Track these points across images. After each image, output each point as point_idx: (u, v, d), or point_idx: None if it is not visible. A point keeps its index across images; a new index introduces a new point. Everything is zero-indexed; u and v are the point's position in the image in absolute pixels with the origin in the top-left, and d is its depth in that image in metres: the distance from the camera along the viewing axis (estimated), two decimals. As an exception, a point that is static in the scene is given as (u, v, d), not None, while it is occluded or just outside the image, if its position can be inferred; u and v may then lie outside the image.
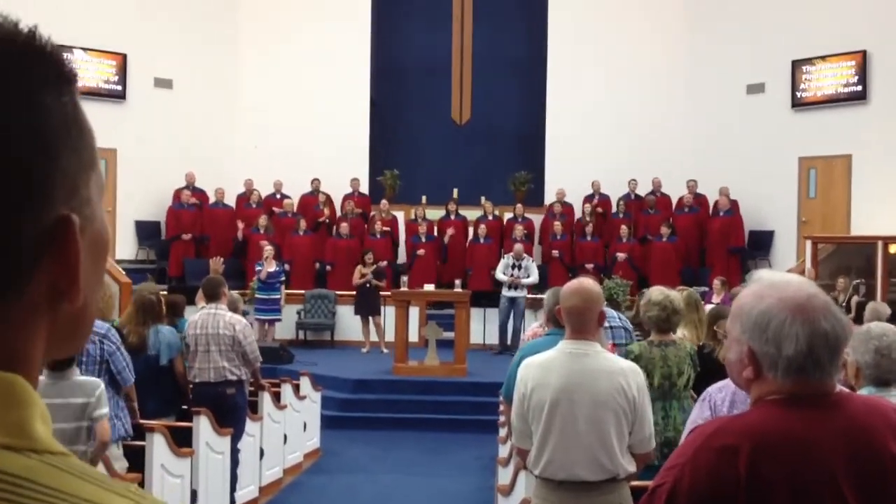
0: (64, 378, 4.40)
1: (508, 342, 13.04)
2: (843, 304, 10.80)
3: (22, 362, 0.66)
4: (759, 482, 1.61)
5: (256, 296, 12.84)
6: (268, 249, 13.10)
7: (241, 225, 15.10)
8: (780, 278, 1.82)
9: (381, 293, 13.06)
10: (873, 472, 1.64)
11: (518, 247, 13.39)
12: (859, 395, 1.93)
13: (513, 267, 13.10)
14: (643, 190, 15.89)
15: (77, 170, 0.68)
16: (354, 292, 13.33)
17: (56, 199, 0.66)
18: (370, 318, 13.24)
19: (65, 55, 0.70)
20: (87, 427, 4.37)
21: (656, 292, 4.78)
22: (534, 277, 13.11)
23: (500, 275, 13.22)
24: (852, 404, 1.75)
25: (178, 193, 15.39)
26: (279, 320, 13.37)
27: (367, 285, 13.04)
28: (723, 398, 3.56)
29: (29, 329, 0.67)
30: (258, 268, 13.02)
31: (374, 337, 13.25)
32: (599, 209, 15.66)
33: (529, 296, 13.23)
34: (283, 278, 13.29)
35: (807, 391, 1.72)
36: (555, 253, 14.93)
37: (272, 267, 12.96)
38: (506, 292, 13.10)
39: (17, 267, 0.65)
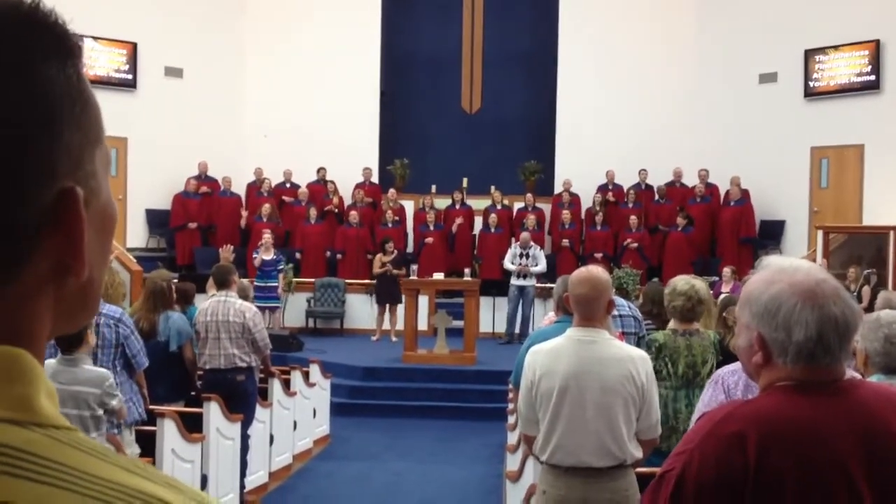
0: (75, 364, 4.44)
1: (517, 331, 13.04)
2: (855, 293, 10.76)
3: (27, 337, 0.66)
4: (768, 469, 1.60)
5: (255, 283, 12.81)
6: (266, 237, 13.11)
7: (244, 213, 15.13)
8: (790, 264, 1.81)
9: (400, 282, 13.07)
10: (883, 458, 1.63)
11: (525, 235, 13.37)
12: (869, 381, 1.92)
13: (521, 256, 13.09)
14: (653, 180, 15.84)
15: (81, 142, 0.67)
16: (374, 281, 13.30)
17: (59, 171, 0.65)
18: (387, 307, 13.20)
19: (70, 28, 0.69)
20: (90, 417, 4.41)
21: (681, 282, 4.77)
22: (542, 266, 13.09)
23: (508, 264, 13.21)
24: (862, 391, 1.74)
25: (188, 182, 15.44)
26: (278, 307, 13.36)
27: (388, 274, 13.02)
28: (735, 381, 3.56)
29: (34, 303, 0.66)
30: (255, 255, 13.03)
31: (387, 325, 13.25)
32: (612, 198, 15.61)
33: (539, 284, 13.22)
34: (282, 266, 13.25)
35: (816, 377, 1.71)
36: (564, 242, 14.91)
37: (269, 255, 12.96)
38: (514, 281, 13.09)
39: (20, 239, 0.64)
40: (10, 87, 0.63)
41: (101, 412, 4.45)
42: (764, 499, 1.60)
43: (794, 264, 1.81)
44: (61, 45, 0.67)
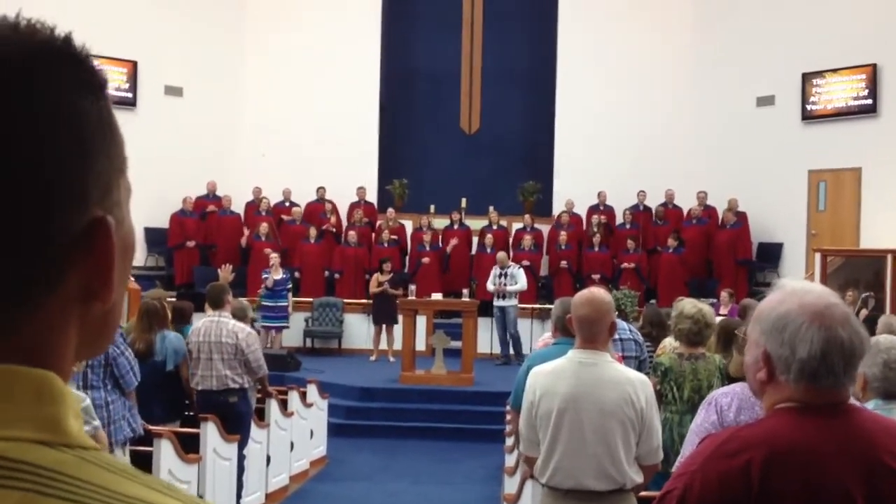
0: None
1: (511, 351, 13.00)
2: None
3: (55, 359, 0.68)
4: (771, 493, 1.61)
5: (263, 303, 12.83)
6: (273, 257, 13.12)
7: (246, 232, 15.15)
8: (802, 286, 1.83)
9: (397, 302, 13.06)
10: (881, 485, 1.63)
11: (501, 255, 13.30)
12: (868, 409, 1.94)
13: (499, 276, 13.01)
14: (652, 201, 15.87)
15: (110, 172, 0.70)
16: (371, 300, 13.29)
17: (91, 200, 0.68)
18: (383, 327, 13.17)
19: (96, 63, 0.72)
20: None
21: (689, 305, 4.77)
22: (521, 284, 12.94)
23: (489, 285, 13.13)
24: (863, 416, 1.75)
25: (199, 202, 15.45)
26: (286, 327, 13.37)
27: (385, 294, 13.00)
28: (728, 403, 3.55)
29: (62, 327, 0.68)
30: (264, 275, 13.03)
31: (384, 345, 13.22)
32: (604, 219, 15.63)
33: (521, 305, 13.13)
34: (290, 286, 13.29)
35: (819, 399, 1.72)
36: (563, 263, 14.90)
37: (279, 274, 12.98)
38: (496, 302, 13.00)
39: (53, 265, 0.66)
40: (53, 119, 0.66)
41: None
42: None
43: (806, 287, 1.83)
44: (93, 77, 0.70)
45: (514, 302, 12.97)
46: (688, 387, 4.63)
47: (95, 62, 0.71)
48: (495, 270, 13.12)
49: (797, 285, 1.83)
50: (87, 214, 0.67)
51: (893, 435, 1.73)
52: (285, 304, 13.04)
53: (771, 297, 1.82)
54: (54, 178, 0.65)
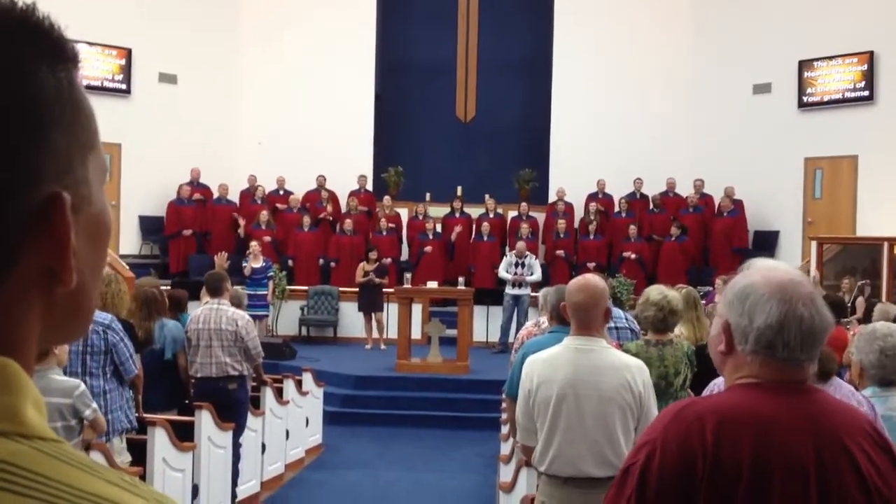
0: (42, 376, 4.35)
1: (510, 340, 13.00)
2: (849, 304, 10.76)
3: (13, 345, 0.64)
4: (724, 456, 1.63)
5: (245, 291, 12.75)
6: (253, 245, 13.12)
7: (242, 221, 15.09)
8: (771, 264, 1.87)
9: (384, 290, 13.05)
10: (831, 464, 1.65)
11: (521, 245, 13.36)
12: (830, 393, 1.95)
13: (516, 265, 13.08)
14: (647, 189, 15.85)
15: (70, 148, 0.66)
16: (357, 289, 13.31)
17: (45, 176, 0.64)
18: (372, 315, 13.22)
19: (65, 35, 0.68)
20: (63, 427, 4.32)
21: (654, 292, 4.75)
22: (537, 275, 13.08)
23: (503, 273, 13.19)
24: (822, 398, 1.77)
25: (180, 189, 15.39)
26: (266, 315, 13.29)
27: (371, 283, 13.02)
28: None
29: (21, 311, 0.65)
30: (244, 263, 13.00)
31: (375, 334, 13.24)
32: (602, 208, 15.62)
33: (533, 294, 13.18)
34: (272, 274, 13.23)
35: (777, 376, 1.73)
36: (559, 252, 14.90)
37: (258, 263, 12.95)
38: (510, 290, 13.07)
39: (4, 245, 0.63)
40: None
41: (73, 422, 4.37)
42: (719, 485, 1.62)
43: (774, 265, 1.87)
44: (54, 49, 0.67)
45: (528, 291, 13.04)
46: (654, 373, 4.61)
47: (64, 35, 0.68)
48: (510, 258, 13.17)
49: (766, 263, 1.87)
50: (42, 191, 0.63)
51: (848, 415, 1.76)
52: (265, 292, 12.97)
53: (740, 274, 1.86)
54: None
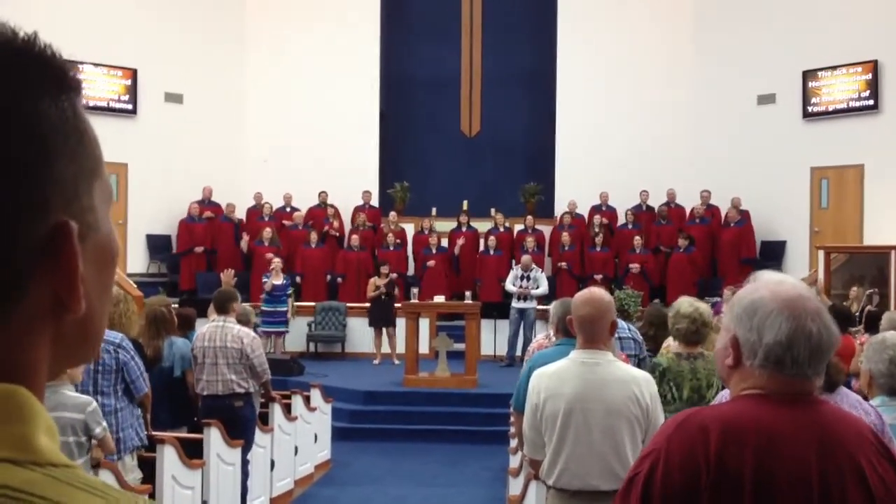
0: (55, 391, 4.38)
1: (518, 353, 12.98)
2: (857, 313, 10.72)
3: (25, 373, 0.65)
4: (728, 465, 1.63)
5: (263, 308, 12.82)
6: (276, 262, 13.14)
7: (245, 237, 15.15)
8: (778, 277, 1.86)
9: (395, 305, 13.06)
10: (835, 478, 1.65)
11: (526, 258, 13.36)
12: (836, 405, 1.95)
13: (522, 278, 13.08)
14: (653, 201, 15.85)
15: (76, 176, 0.67)
16: (368, 304, 13.31)
17: (52, 205, 0.65)
18: (383, 330, 13.19)
19: (67, 63, 0.68)
20: (74, 443, 4.35)
21: (686, 304, 4.74)
22: (543, 288, 13.07)
23: (509, 286, 13.20)
24: (827, 410, 1.77)
25: (192, 206, 15.44)
26: (286, 332, 13.36)
27: (382, 297, 13.00)
28: None
29: (31, 339, 0.65)
30: (264, 279, 13.03)
31: (386, 348, 13.22)
32: (606, 220, 15.62)
33: (540, 307, 13.16)
34: (290, 291, 13.28)
35: (783, 388, 1.74)
36: (562, 264, 14.90)
37: (279, 280, 12.98)
38: (515, 304, 13.05)
39: (14, 275, 0.63)
40: (1, 118, 0.63)
41: (84, 439, 4.40)
42: (723, 495, 1.62)
43: (781, 278, 1.86)
44: (56, 79, 0.67)
45: (534, 304, 13.01)
46: (687, 386, 4.60)
47: (66, 63, 0.68)
48: (517, 272, 13.17)
49: (772, 277, 1.86)
50: (49, 221, 0.64)
51: (854, 426, 1.75)
52: (285, 308, 13.05)
53: (746, 287, 1.86)
54: (6, 185, 0.62)
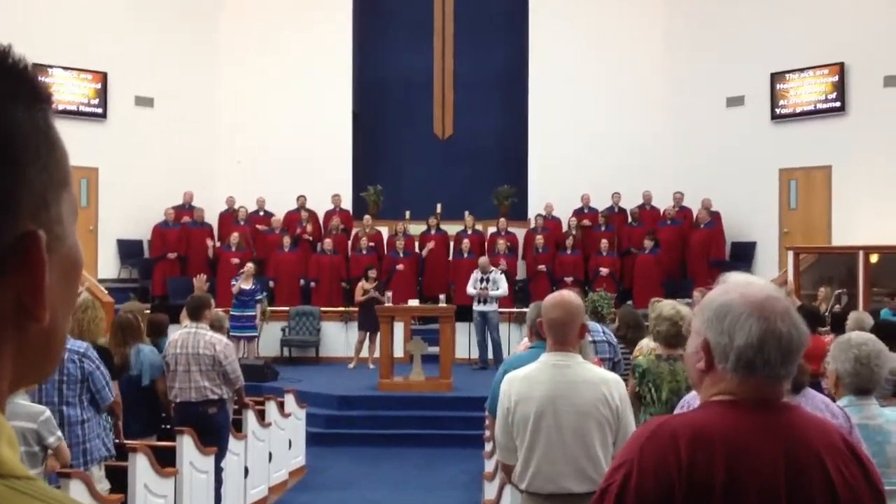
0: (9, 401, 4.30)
1: (490, 356, 12.94)
2: (826, 313, 10.86)
3: None
4: (699, 471, 1.64)
5: (231, 313, 12.66)
6: (248, 266, 13.04)
7: (210, 243, 15.03)
8: (746, 279, 1.86)
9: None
10: (802, 482, 1.66)
11: (483, 259, 13.17)
12: (805, 409, 1.97)
13: (481, 280, 12.92)
14: (625, 203, 15.95)
15: (46, 186, 0.67)
16: (356, 308, 13.15)
17: (21, 213, 0.65)
18: (367, 334, 12.95)
19: (39, 75, 0.69)
20: (25, 453, 4.27)
21: (667, 307, 4.77)
22: (502, 290, 12.84)
23: (470, 289, 12.99)
24: (795, 415, 1.78)
25: (167, 212, 15.28)
26: (255, 337, 13.25)
27: (371, 301, 12.86)
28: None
29: None
30: (233, 282, 12.91)
31: (367, 353, 13.11)
32: (587, 222, 15.67)
33: (502, 309, 13.07)
34: (260, 297, 13.15)
35: (753, 394, 1.74)
36: (541, 267, 14.91)
37: (248, 284, 12.86)
38: (476, 307, 12.84)
39: None
40: None
41: (37, 448, 4.33)
42: (694, 502, 1.63)
43: (749, 279, 1.86)
44: (30, 90, 0.68)
45: (495, 307, 12.85)
46: (666, 388, 4.63)
47: (38, 75, 0.69)
48: (476, 275, 12.98)
49: (741, 278, 1.87)
50: (18, 227, 0.64)
51: (821, 430, 1.76)
52: (253, 313, 12.90)
53: (715, 290, 1.86)
54: None
